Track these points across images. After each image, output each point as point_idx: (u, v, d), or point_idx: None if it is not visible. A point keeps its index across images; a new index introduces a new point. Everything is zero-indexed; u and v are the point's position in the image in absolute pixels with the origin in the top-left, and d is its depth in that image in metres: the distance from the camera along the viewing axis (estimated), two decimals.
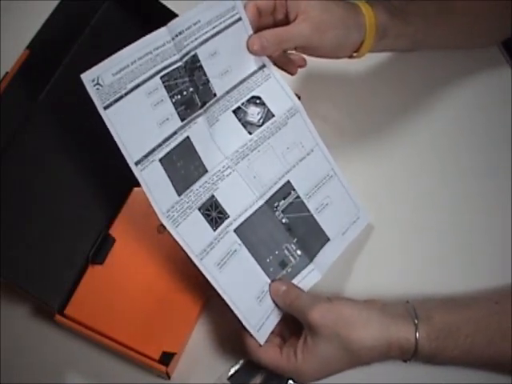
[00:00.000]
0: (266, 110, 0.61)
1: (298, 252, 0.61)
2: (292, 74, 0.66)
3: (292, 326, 0.59)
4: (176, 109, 0.56)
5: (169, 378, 0.61)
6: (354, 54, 0.64)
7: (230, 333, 0.64)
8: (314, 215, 0.62)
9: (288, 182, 0.61)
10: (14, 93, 0.61)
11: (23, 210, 0.61)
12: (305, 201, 0.62)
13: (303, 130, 0.62)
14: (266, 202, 0.60)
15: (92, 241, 0.64)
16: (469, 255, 0.68)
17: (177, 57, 0.56)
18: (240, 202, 0.59)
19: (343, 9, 0.61)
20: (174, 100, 0.56)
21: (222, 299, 0.57)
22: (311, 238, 0.62)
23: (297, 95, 0.65)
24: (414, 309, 0.56)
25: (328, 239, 0.63)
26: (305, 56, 0.65)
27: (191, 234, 0.56)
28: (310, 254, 0.62)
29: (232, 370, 0.62)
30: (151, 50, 0.54)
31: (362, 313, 0.55)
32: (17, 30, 0.77)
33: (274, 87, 0.62)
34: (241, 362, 0.62)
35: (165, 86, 0.55)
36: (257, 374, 0.62)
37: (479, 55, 0.78)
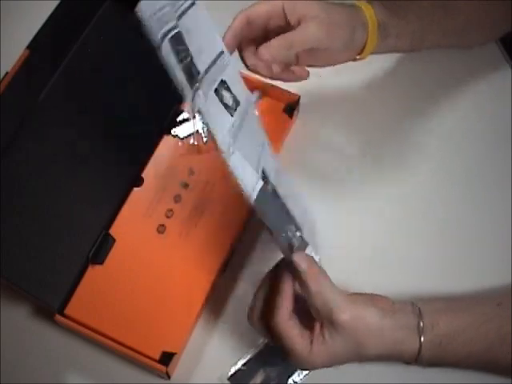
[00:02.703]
0: (233, 96, 0.58)
1: (297, 234, 0.58)
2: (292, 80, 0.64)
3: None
4: (184, 75, 0.54)
5: (169, 378, 0.61)
6: (358, 57, 0.63)
7: (230, 333, 0.64)
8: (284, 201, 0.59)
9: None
10: (14, 93, 0.61)
11: (23, 210, 0.61)
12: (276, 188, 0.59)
13: (258, 125, 0.61)
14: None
15: (92, 241, 0.64)
16: (473, 253, 0.68)
17: (174, 22, 0.54)
18: (247, 180, 0.56)
19: (346, 9, 0.60)
20: (181, 66, 0.53)
21: None
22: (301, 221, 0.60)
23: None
24: (420, 314, 0.56)
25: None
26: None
27: None
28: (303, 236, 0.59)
29: (232, 370, 0.62)
30: (158, 10, 0.53)
31: (379, 322, 0.54)
32: (17, 30, 0.77)
33: (234, 74, 0.59)
34: (241, 361, 0.62)
35: (172, 49, 0.53)
36: (257, 374, 0.62)
37: (479, 55, 0.78)
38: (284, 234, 0.57)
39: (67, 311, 0.62)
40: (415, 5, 0.66)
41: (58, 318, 0.61)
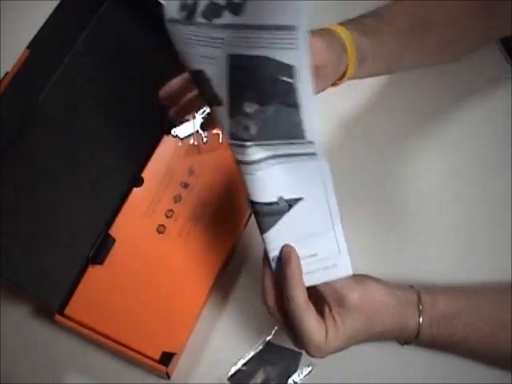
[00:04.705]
0: None
1: None
2: None
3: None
4: None
5: (169, 378, 0.61)
6: (338, 82, 0.59)
7: (230, 333, 0.64)
8: None
9: None
10: (13, 93, 0.61)
11: (23, 209, 0.61)
12: None
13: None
14: None
15: (92, 241, 0.64)
16: (476, 247, 0.69)
17: None
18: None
19: (326, 35, 0.55)
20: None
21: None
22: None
23: None
24: (419, 294, 0.56)
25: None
26: None
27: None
28: None
29: (232, 370, 0.62)
30: None
31: (386, 298, 0.54)
32: (17, 30, 0.77)
33: None
34: (241, 361, 0.62)
35: None
36: (257, 374, 0.62)
37: (479, 55, 0.78)
38: None
39: (67, 311, 0.62)
40: (390, 26, 0.63)
41: (58, 318, 0.61)
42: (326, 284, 0.53)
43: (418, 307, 0.55)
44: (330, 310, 0.53)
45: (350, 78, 0.60)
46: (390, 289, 0.55)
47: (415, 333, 0.55)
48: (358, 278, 0.54)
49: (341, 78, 0.59)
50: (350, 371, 0.62)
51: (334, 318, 0.53)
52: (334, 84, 0.59)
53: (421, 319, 0.54)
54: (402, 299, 0.55)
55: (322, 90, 0.55)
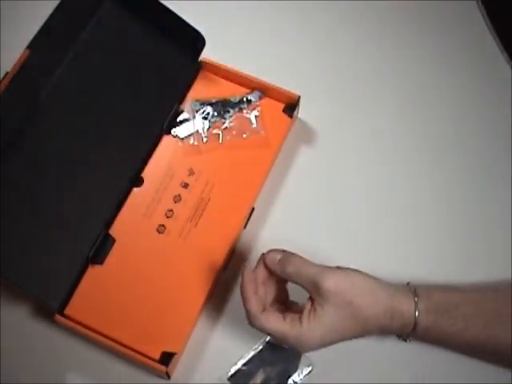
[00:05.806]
0: None
1: None
2: None
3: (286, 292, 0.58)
4: None
5: (169, 378, 0.61)
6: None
7: (229, 333, 0.64)
8: None
9: None
10: (13, 93, 0.61)
11: (23, 209, 0.61)
12: None
13: None
14: None
15: (92, 241, 0.64)
16: (470, 248, 0.69)
17: None
18: None
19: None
20: None
21: None
22: None
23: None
24: (414, 287, 0.57)
25: None
26: None
27: None
28: None
29: (232, 370, 0.62)
30: None
31: (371, 281, 0.55)
32: (17, 30, 0.77)
33: None
34: (241, 361, 0.62)
35: None
36: (257, 374, 0.62)
37: (479, 55, 0.78)
38: None
39: (67, 311, 0.62)
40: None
41: (58, 318, 0.61)
42: (300, 275, 0.54)
43: (413, 293, 0.56)
44: (313, 303, 0.54)
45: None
46: (375, 278, 0.56)
47: (412, 320, 0.55)
48: (336, 267, 0.55)
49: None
50: (350, 371, 0.62)
51: (314, 309, 0.53)
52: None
53: (417, 306, 0.55)
54: (390, 286, 0.56)
55: None
